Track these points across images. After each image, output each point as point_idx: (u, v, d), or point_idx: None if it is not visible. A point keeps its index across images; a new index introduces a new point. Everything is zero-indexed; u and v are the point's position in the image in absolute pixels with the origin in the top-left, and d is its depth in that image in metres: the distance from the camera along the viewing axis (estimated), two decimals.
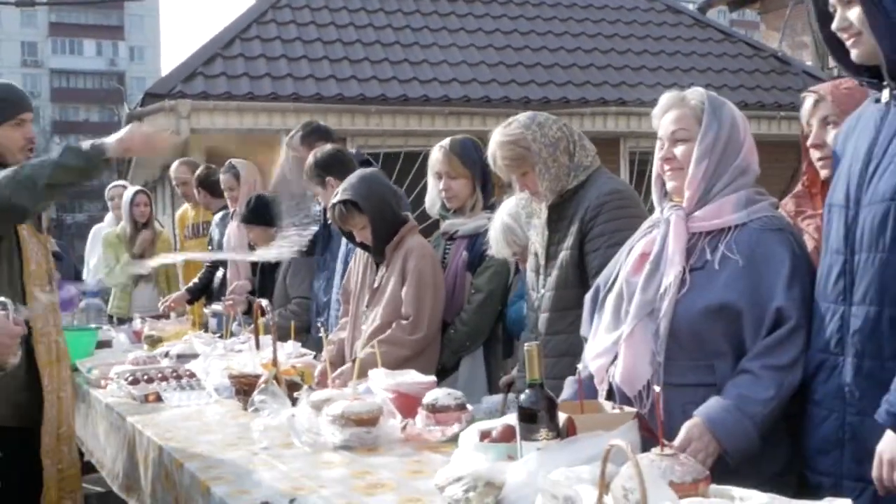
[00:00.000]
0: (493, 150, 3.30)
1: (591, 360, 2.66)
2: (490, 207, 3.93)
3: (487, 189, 3.98)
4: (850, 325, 2.22)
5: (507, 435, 2.33)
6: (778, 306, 2.39)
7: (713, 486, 1.92)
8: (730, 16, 31.39)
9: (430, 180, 4.11)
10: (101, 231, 7.96)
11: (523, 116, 3.36)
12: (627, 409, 2.35)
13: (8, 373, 3.00)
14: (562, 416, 2.21)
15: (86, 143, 3.42)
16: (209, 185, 6.81)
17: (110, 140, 3.42)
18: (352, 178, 3.93)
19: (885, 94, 2.24)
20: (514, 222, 3.51)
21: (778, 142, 10.34)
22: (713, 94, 2.67)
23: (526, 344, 2.22)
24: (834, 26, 2.28)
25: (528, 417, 2.18)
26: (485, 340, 3.93)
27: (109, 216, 8.14)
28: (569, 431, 2.20)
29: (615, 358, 2.59)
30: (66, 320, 5.06)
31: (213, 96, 10.19)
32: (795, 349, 2.37)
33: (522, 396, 2.21)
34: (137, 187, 7.93)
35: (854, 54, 2.26)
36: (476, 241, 3.88)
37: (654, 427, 2.28)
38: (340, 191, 3.88)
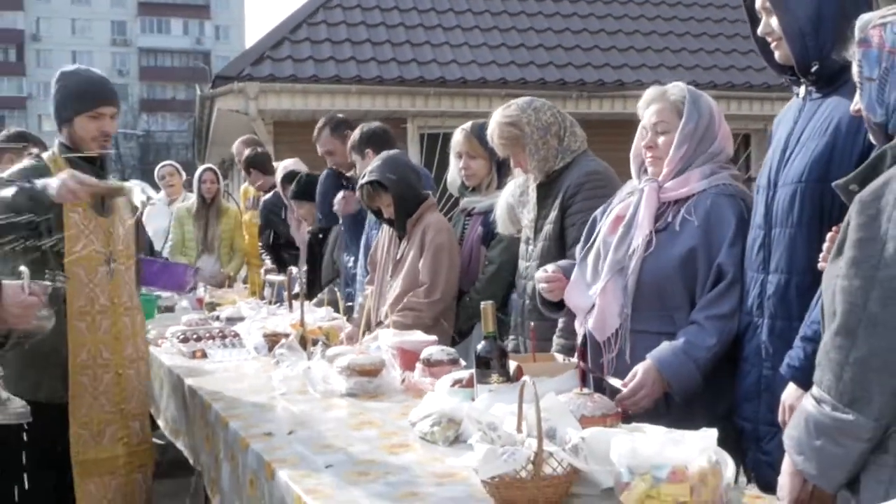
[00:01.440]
0: (492, 129, 3.68)
1: (571, 305, 3.03)
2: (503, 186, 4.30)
3: (502, 169, 4.33)
4: (766, 291, 2.56)
5: (472, 382, 2.72)
6: (719, 262, 2.74)
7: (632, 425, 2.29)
8: None
9: (452, 160, 4.49)
10: (156, 209, 8.44)
11: (522, 101, 3.73)
12: (572, 360, 2.72)
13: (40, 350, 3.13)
14: (512, 364, 2.60)
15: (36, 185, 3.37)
16: (258, 165, 7.32)
17: (51, 189, 3.34)
18: (377, 160, 4.33)
19: (802, 90, 2.56)
20: (515, 202, 3.88)
21: None
22: (692, 88, 3.01)
23: (482, 303, 2.61)
24: (759, 31, 2.60)
25: (483, 364, 2.58)
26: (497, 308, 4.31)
27: (162, 194, 8.59)
28: (517, 377, 2.58)
29: (592, 307, 2.96)
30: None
31: (279, 79, 10.70)
32: (733, 300, 2.71)
33: (479, 346, 2.60)
34: (207, 165, 8.45)
35: (777, 55, 2.58)
36: (490, 216, 4.25)
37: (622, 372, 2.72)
38: (367, 172, 4.29)
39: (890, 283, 1.91)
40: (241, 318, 4.95)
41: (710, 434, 2.02)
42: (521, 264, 3.73)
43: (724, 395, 2.75)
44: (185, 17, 77.70)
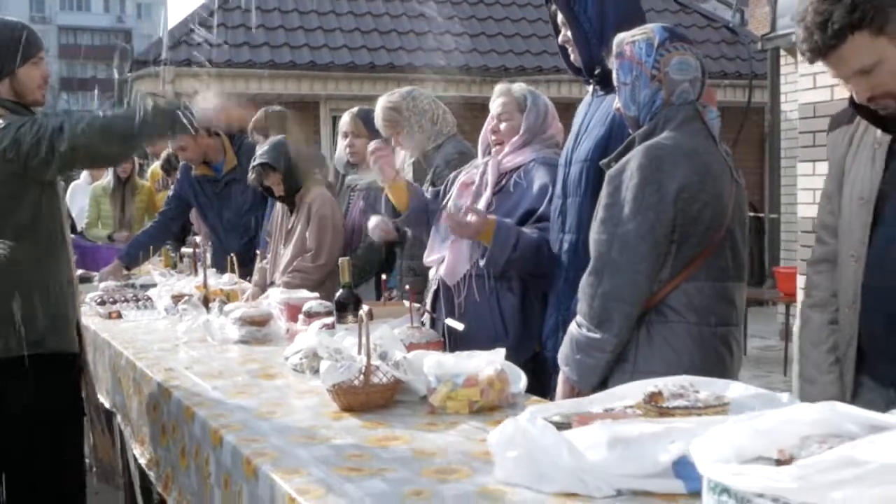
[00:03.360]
0: (377, 113, 4.33)
1: (427, 260, 3.69)
2: None
3: None
4: (563, 247, 3.23)
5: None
6: (542, 212, 3.41)
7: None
8: None
9: (339, 139, 5.12)
10: (79, 187, 8.89)
11: (404, 90, 4.40)
12: (417, 305, 3.37)
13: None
14: (365, 308, 3.23)
15: (172, 105, 3.40)
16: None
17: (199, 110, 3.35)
18: (266, 144, 4.94)
19: (590, 88, 3.23)
20: None
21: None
22: (533, 89, 3.69)
23: (340, 259, 3.24)
24: (559, 41, 3.27)
25: (341, 308, 3.21)
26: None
27: (85, 174, 8.97)
28: (371, 317, 3.22)
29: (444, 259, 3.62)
30: None
31: (194, 63, 11.19)
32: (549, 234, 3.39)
33: (337, 294, 3.23)
34: None
35: (572, 59, 3.25)
36: (370, 193, 4.88)
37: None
38: (258, 156, 4.89)
39: (624, 236, 2.60)
40: (154, 285, 5.50)
41: (499, 352, 2.67)
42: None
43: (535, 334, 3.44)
44: None
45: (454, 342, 3.26)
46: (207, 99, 3.42)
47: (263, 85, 11.22)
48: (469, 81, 11.61)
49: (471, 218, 3.33)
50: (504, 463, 1.96)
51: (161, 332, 4.36)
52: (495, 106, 3.68)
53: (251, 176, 4.91)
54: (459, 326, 3.32)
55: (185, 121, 3.25)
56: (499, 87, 3.73)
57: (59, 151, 3.19)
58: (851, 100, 2.34)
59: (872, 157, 2.33)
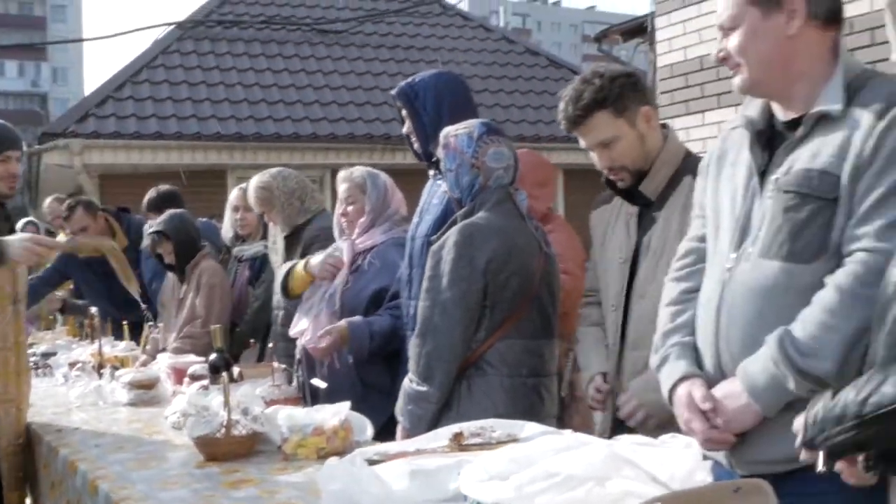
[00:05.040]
0: (250, 191, 4.75)
1: (292, 332, 4.09)
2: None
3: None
4: (410, 312, 3.66)
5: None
6: (394, 292, 3.85)
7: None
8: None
9: (228, 212, 5.54)
10: None
11: (275, 170, 4.83)
12: (283, 366, 3.77)
13: None
14: (237, 369, 3.63)
15: None
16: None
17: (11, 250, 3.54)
18: (165, 215, 5.33)
19: (431, 172, 3.70)
20: (269, 249, 4.95)
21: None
22: (371, 170, 4.15)
23: (211, 326, 3.64)
24: (404, 131, 3.74)
25: (214, 370, 3.60)
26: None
27: None
28: (241, 378, 3.62)
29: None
30: None
31: (103, 135, 11.50)
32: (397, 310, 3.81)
33: (211, 357, 3.63)
34: (29, 218, 9.18)
35: (416, 147, 3.72)
36: (255, 262, 5.30)
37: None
38: (155, 224, 5.27)
39: (444, 303, 3.04)
40: (55, 353, 5.80)
41: (343, 405, 3.08)
42: (275, 298, 4.78)
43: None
44: (21, 59, 76.15)
45: (318, 400, 3.66)
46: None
47: (171, 156, 11.57)
48: (370, 149, 12.12)
49: (323, 343, 3.78)
50: (327, 495, 2.37)
51: (57, 397, 4.67)
52: (341, 191, 4.14)
53: (146, 242, 5.29)
54: (322, 385, 3.73)
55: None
56: (341, 174, 4.20)
57: None
58: (608, 182, 2.90)
59: (627, 226, 2.89)
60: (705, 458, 1.95)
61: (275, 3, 14.95)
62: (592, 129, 2.90)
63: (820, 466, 1.78)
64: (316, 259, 4.20)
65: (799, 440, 1.83)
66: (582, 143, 2.98)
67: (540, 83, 14.53)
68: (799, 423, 1.83)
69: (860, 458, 1.76)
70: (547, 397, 3.17)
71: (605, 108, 2.86)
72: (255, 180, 4.78)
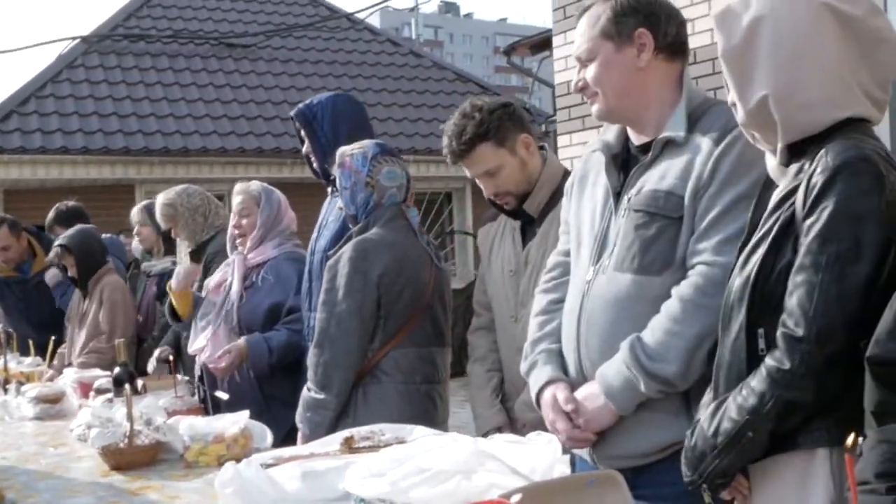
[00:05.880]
0: (157, 207, 4.87)
1: (191, 350, 4.21)
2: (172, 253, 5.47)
3: (168, 235, 5.47)
4: (311, 324, 3.81)
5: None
6: (290, 305, 4.00)
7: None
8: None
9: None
10: None
11: (180, 187, 4.94)
12: (186, 378, 3.90)
13: None
14: (140, 382, 3.75)
15: None
16: None
17: None
18: (72, 230, 5.41)
19: (329, 190, 3.87)
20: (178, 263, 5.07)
21: None
22: (267, 186, 4.28)
23: (116, 340, 3.76)
24: (303, 151, 3.91)
25: (118, 383, 3.72)
26: None
27: None
28: (145, 389, 3.74)
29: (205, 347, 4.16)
30: None
31: (7, 150, 11.39)
32: (301, 324, 3.92)
33: (115, 370, 3.74)
34: None
35: (315, 166, 3.89)
36: (163, 278, 5.39)
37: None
38: (61, 237, 5.35)
39: (339, 315, 3.21)
40: None
41: (243, 414, 3.23)
42: None
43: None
44: None
45: (221, 411, 3.79)
46: None
47: (78, 171, 11.51)
48: (279, 163, 12.23)
49: (223, 363, 3.91)
50: (224, 497, 2.52)
51: None
52: (236, 203, 4.26)
53: (51, 255, 5.37)
54: (225, 397, 3.87)
55: None
56: (238, 186, 4.33)
57: None
58: (493, 203, 3.12)
59: (513, 239, 3.10)
60: (569, 453, 2.17)
61: (182, 17, 14.96)
62: (477, 161, 3.11)
63: (708, 500, 2.01)
64: (173, 279, 4.52)
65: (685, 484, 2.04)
66: (468, 173, 3.19)
67: (447, 97, 14.80)
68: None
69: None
70: (440, 403, 3.37)
71: (487, 141, 3.07)
72: (161, 197, 4.90)
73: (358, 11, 17.08)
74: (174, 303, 4.53)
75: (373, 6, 15.57)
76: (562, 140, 7.51)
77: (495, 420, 3.10)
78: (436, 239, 13.52)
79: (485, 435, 3.11)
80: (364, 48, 15.66)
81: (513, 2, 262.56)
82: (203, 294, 4.30)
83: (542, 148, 3.30)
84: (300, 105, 3.90)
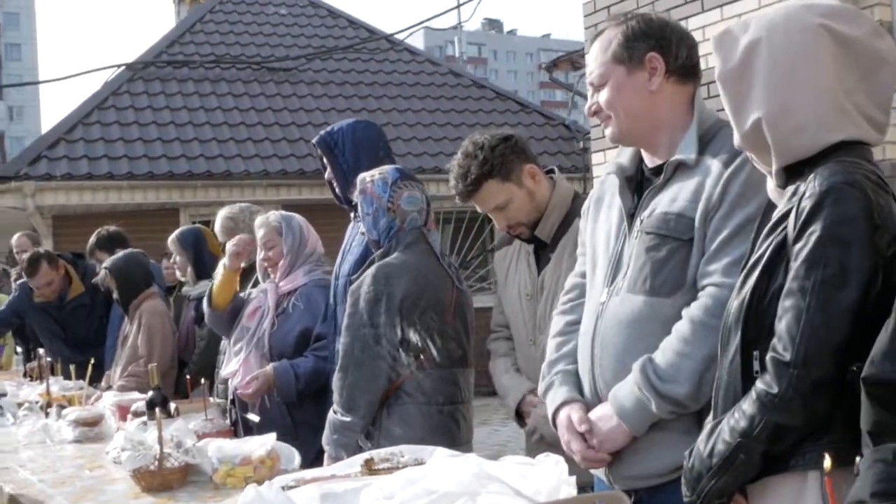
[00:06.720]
0: (218, 220, 5.05)
1: (223, 374, 4.29)
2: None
3: (200, 263, 5.56)
4: (337, 348, 3.89)
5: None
6: (318, 332, 4.06)
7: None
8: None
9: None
10: None
11: (244, 204, 5.14)
12: (219, 401, 3.97)
13: None
14: (173, 405, 3.83)
15: None
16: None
17: None
18: (120, 253, 5.55)
19: (353, 215, 3.93)
20: None
21: None
22: (286, 213, 4.36)
23: (149, 365, 3.84)
24: (326, 177, 3.98)
25: (151, 406, 3.80)
26: None
27: None
28: (178, 412, 3.82)
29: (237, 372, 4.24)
30: None
31: (55, 177, 11.65)
32: (331, 350, 3.99)
33: (149, 394, 3.83)
34: None
35: (337, 191, 3.95)
36: (200, 302, 5.48)
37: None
38: (107, 261, 5.49)
39: (364, 338, 3.26)
40: (4, 394, 5.96)
41: (270, 437, 3.29)
42: (222, 343, 4.97)
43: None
44: None
45: (252, 434, 3.86)
46: None
47: (123, 196, 11.74)
48: (321, 185, 12.31)
49: (251, 389, 4.00)
50: None
51: (6, 436, 4.84)
52: (259, 236, 4.35)
53: (99, 277, 5.51)
54: (256, 419, 3.94)
55: None
56: (258, 220, 4.42)
57: None
58: (508, 231, 3.16)
59: (528, 263, 3.14)
60: (576, 474, 2.20)
61: (224, 42, 15.19)
62: (485, 199, 3.19)
63: None
64: (226, 257, 4.52)
65: None
66: (478, 209, 3.25)
67: (487, 115, 14.84)
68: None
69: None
70: (463, 424, 3.41)
71: (493, 177, 3.15)
72: (224, 211, 5.07)
73: (398, 32, 17.21)
74: (215, 288, 4.55)
75: (412, 26, 15.73)
76: (596, 157, 7.53)
77: (525, 385, 3.21)
78: (477, 257, 13.63)
79: (521, 399, 3.25)
80: (403, 69, 15.79)
81: (556, 17, 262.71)
82: (244, 294, 4.41)
83: (550, 171, 3.34)
84: (322, 133, 3.98)
